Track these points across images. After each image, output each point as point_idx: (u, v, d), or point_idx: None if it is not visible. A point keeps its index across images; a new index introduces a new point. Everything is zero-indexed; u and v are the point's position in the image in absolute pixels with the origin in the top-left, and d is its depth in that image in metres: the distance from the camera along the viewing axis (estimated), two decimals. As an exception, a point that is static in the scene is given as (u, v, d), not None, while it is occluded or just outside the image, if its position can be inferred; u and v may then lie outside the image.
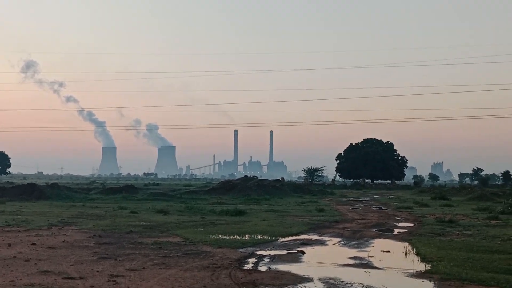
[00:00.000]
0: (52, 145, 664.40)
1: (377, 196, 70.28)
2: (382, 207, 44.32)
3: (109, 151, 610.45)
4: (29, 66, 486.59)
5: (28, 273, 13.09)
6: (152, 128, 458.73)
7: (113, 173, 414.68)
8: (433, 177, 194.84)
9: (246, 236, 21.63)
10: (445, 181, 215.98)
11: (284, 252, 17.65)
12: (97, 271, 13.44)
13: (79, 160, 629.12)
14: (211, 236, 21.31)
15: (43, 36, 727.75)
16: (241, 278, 13.01)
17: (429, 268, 14.67)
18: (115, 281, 12.35)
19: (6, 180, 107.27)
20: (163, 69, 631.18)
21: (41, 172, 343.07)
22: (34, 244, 18.15)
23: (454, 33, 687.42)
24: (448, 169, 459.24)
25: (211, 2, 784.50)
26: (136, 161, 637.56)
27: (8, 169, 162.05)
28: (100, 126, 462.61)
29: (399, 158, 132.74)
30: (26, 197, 47.54)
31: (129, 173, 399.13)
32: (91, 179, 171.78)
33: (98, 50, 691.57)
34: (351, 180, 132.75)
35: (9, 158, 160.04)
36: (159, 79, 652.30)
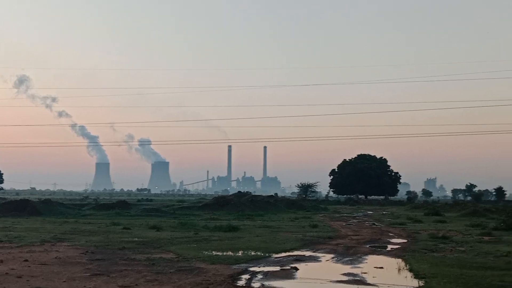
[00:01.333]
0: (45, 160, 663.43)
1: (371, 212, 70.32)
2: (376, 223, 44.32)
3: (103, 166, 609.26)
4: (22, 81, 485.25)
5: (20, 290, 13.03)
6: (144, 143, 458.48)
7: (106, 188, 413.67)
8: (426, 193, 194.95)
9: (240, 252, 21.60)
10: (438, 197, 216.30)
11: (278, 268, 17.61)
12: (90, 288, 13.39)
13: (72, 176, 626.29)
14: (204, 252, 21.26)
15: (36, 52, 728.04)
16: (234, 295, 12.97)
17: (422, 284, 14.67)
18: (107, 298, 12.31)
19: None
20: (156, 84, 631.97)
21: (34, 188, 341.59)
22: (26, 260, 18.06)
23: (450, 48, 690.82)
24: (442, 185, 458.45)
25: (205, 18, 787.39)
26: (130, 176, 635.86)
27: (0, 185, 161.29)
28: (93, 141, 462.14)
29: (393, 174, 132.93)
30: (19, 213, 47.37)
31: (122, 189, 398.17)
32: (84, 195, 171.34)
33: (91, 65, 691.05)
34: (345, 196, 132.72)
35: (2, 173, 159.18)
36: (152, 94, 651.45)
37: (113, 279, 14.70)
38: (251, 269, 17.23)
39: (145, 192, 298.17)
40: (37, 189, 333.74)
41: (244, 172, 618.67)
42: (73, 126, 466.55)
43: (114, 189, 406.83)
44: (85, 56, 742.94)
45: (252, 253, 21.25)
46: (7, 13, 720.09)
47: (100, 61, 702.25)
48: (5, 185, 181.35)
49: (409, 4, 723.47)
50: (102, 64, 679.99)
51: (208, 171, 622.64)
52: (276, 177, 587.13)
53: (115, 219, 41.92)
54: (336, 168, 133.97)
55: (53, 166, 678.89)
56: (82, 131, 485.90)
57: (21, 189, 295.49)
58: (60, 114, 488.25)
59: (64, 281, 14.24)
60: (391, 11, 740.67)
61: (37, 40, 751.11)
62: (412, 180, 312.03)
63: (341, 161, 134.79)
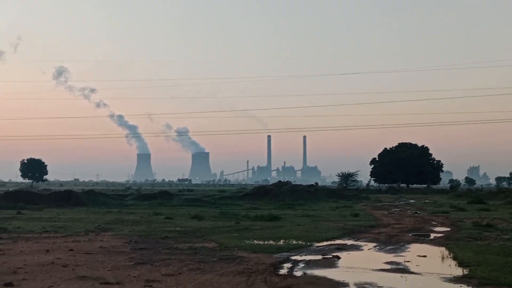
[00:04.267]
0: (87, 152, 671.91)
1: (413, 201, 69.60)
2: (418, 212, 43.88)
3: (144, 157, 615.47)
4: (60, 73, 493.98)
5: (66, 278, 13.27)
6: (182, 132, 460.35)
7: (148, 179, 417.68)
8: (469, 181, 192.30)
9: (281, 241, 21.61)
10: (482, 185, 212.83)
11: (319, 257, 17.59)
12: (134, 276, 13.56)
13: (114, 167, 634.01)
14: (245, 241, 21.34)
15: (73, 44, 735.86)
16: (277, 283, 13.00)
17: (466, 272, 14.49)
18: (151, 286, 12.46)
19: (43, 187, 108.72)
20: (195, 75, 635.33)
21: (77, 179, 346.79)
22: (71, 250, 18.39)
23: (493, 33, 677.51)
24: (485, 173, 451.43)
25: (241, 6, 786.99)
26: (171, 167, 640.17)
27: (45, 177, 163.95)
28: (132, 131, 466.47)
29: (435, 162, 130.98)
30: (63, 204, 48.21)
31: (163, 179, 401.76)
32: (127, 186, 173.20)
33: (128, 58, 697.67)
34: (386, 184, 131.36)
35: (46, 165, 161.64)
36: (191, 85, 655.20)
37: (156, 268, 14.86)
38: (293, 258, 17.24)
39: (186, 183, 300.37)
40: (81, 180, 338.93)
41: (284, 162, 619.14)
42: (112, 116, 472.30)
43: (155, 179, 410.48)
44: (122, 49, 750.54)
45: (294, 242, 21.25)
46: (45, 6, 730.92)
47: (137, 53, 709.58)
48: (49, 177, 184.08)
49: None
50: (139, 56, 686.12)
51: (248, 161, 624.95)
52: (316, 166, 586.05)
53: (157, 209, 42.33)
54: (377, 157, 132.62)
55: (96, 157, 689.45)
56: (122, 121, 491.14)
57: (65, 180, 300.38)
58: (99, 105, 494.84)
59: (109, 270, 14.45)
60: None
61: (75, 32, 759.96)
62: (454, 168, 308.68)
63: (381, 150, 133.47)
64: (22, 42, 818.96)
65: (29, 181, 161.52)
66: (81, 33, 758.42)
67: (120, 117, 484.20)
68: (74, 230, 25.65)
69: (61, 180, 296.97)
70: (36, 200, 49.70)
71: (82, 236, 23.01)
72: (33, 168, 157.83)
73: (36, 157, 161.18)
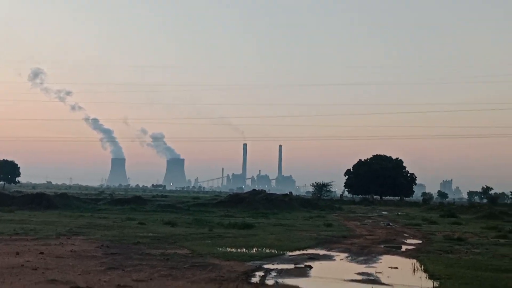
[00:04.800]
0: (61, 155, 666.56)
1: (386, 213, 70.03)
2: (391, 224, 44.12)
3: (118, 162, 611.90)
4: (36, 75, 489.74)
5: (35, 281, 13.12)
6: (157, 137, 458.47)
7: (122, 184, 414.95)
8: (442, 194, 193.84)
9: (254, 249, 21.59)
10: (454, 199, 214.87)
11: (292, 266, 17.61)
12: (105, 281, 13.45)
13: (88, 171, 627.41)
14: (218, 248, 21.30)
15: (51, 46, 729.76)
16: (248, 291, 12.98)
17: (437, 285, 14.60)
18: (122, 291, 12.37)
19: (15, 189, 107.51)
20: (172, 81, 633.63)
21: (50, 182, 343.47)
22: (42, 253, 18.18)
23: (471, 49, 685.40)
24: (457, 187, 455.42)
25: (221, 15, 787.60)
26: (145, 172, 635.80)
27: (17, 178, 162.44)
28: (107, 135, 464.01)
29: (408, 175, 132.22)
30: (35, 206, 47.73)
31: (137, 185, 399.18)
32: (100, 190, 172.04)
33: (106, 61, 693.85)
34: (360, 196, 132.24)
35: (19, 167, 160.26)
36: (168, 91, 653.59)
37: (127, 273, 14.76)
38: (265, 266, 17.23)
39: (160, 188, 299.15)
40: (53, 183, 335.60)
41: (259, 171, 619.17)
42: (87, 120, 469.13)
43: (129, 184, 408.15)
44: (101, 52, 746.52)
45: (266, 251, 21.26)
46: (22, 7, 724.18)
47: (116, 56, 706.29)
48: (22, 179, 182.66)
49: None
50: (117, 60, 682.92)
51: (223, 169, 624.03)
52: (291, 176, 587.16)
53: (130, 214, 42.12)
54: (352, 168, 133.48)
55: (70, 160, 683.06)
56: (97, 125, 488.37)
57: (37, 183, 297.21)
58: (75, 108, 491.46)
59: (79, 274, 14.32)
60: (406, 9, 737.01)
61: (52, 34, 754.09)
62: (427, 181, 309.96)
63: (356, 161, 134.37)
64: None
65: (1, 182, 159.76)
66: (59, 35, 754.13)
67: (95, 120, 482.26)
68: (45, 233, 25.38)
69: (33, 182, 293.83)
70: (8, 201, 49.19)
71: (53, 240, 22.78)
72: (6, 169, 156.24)
73: (9, 159, 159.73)
